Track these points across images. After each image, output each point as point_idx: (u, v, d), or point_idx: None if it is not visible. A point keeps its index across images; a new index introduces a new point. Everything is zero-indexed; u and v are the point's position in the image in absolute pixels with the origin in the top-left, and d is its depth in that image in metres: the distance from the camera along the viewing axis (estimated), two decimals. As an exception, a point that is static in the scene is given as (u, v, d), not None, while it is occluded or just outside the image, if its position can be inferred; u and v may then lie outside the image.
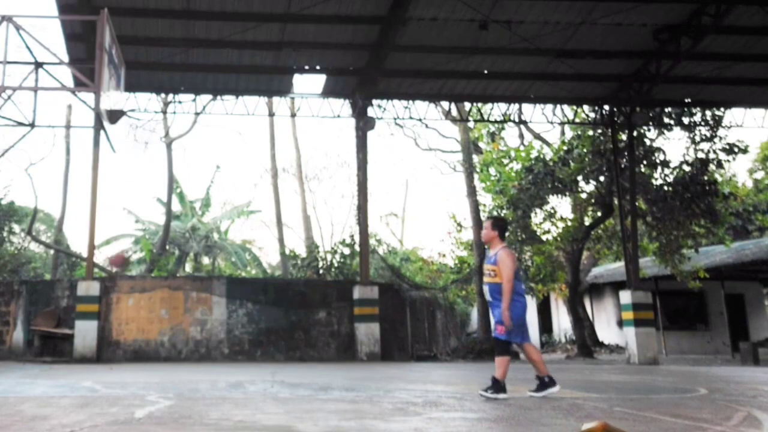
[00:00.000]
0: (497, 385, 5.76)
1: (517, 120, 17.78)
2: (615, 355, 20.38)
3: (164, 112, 19.11)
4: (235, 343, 13.83)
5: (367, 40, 14.16)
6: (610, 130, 17.12)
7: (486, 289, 6.16)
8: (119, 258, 17.95)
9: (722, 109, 17.89)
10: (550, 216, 20.56)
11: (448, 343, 19.13)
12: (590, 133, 18.71)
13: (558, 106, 16.82)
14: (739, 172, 40.74)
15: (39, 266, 27.64)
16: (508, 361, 5.92)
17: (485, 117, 18.31)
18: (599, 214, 19.71)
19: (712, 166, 18.91)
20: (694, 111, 18.20)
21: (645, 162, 18.50)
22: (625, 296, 15.01)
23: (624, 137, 16.82)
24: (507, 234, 6.46)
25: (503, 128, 23.49)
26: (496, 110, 17.51)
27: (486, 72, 15.51)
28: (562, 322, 26.86)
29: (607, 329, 24.82)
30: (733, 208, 21.16)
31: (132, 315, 13.54)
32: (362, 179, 15.63)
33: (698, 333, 23.05)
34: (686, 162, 18.81)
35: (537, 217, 20.48)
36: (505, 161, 21.16)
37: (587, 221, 20.38)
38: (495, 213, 20.50)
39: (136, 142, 25.40)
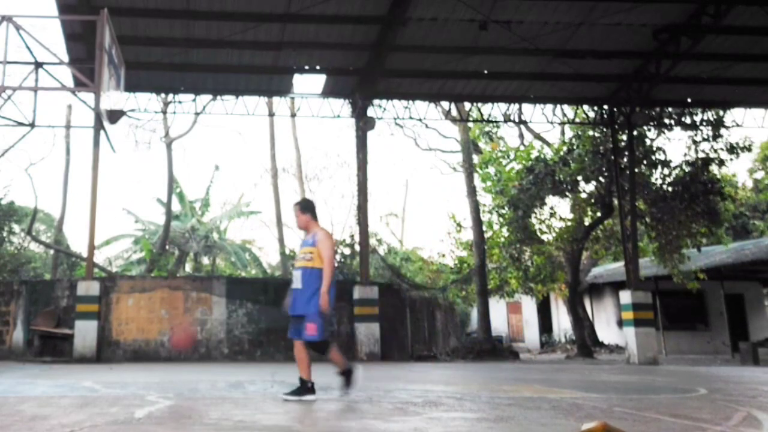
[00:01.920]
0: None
1: (517, 120, 17.77)
2: (615, 355, 20.37)
3: (164, 112, 19.11)
4: (235, 343, 13.82)
5: (367, 40, 14.16)
6: (610, 130, 17.13)
7: (298, 274, 5.44)
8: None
9: (724, 110, 17.87)
10: (550, 216, 20.56)
11: (447, 343, 19.12)
12: (590, 133, 18.71)
13: (558, 106, 16.81)
14: (739, 172, 40.79)
15: (39, 266, 27.64)
16: (336, 353, 5.53)
17: (485, 117, 18.30)
18: (599, 214, 19.72)
19: (713, 166, 18.91)
20: (694, 111, 18.21)
21: (645, 162, 18.50)
22: (625, 296, 15.02)
23: (624, 137, 16.83)
24: (318, 213, 5.73)
25: (498, 126, 23.51)
26: (496, 110, 17.51)
27: (486, 72, 15.51)
28: (562, 322, 26.88)
29: (606, 329, 24.83)
30: (731, 212, 21.17)
31: (132, 315, 13.54)
32: (362, 179, 15.64)
33: (698, 333, 23.05)
34: (687, 162, 18.81)
35: (537, 217, 20.47)
36: (505, 161, 21.17)
37: (587, 221, 20.38)
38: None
39: (136, 142, 25.38)
